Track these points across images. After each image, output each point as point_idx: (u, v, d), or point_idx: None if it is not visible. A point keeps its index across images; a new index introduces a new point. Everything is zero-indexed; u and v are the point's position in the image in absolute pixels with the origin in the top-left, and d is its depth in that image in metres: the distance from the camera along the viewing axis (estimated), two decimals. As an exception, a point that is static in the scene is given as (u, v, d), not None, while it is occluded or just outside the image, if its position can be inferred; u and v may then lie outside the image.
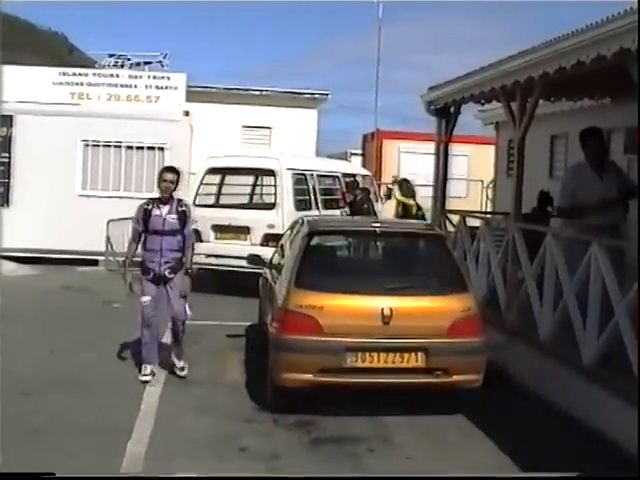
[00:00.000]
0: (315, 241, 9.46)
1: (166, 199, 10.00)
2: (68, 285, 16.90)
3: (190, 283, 10.39)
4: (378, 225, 9.80)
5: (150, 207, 10.00)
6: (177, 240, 10.02)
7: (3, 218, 19.84)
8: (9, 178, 20.38)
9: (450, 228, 14.13)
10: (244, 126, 28.04)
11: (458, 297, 8.80)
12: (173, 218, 9.95)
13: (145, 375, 9.88)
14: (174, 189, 10.04)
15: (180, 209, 10.02)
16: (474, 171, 28.26)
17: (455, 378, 8.60)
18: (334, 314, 8.39)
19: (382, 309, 8.39)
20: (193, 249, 10.34)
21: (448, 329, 8.53)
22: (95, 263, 19.64)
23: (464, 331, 8.60)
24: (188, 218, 10.08)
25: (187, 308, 10.02)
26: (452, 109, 14.22)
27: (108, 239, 19.01)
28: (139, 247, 10.24)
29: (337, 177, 19.36)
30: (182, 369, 10.15)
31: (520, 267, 10.93)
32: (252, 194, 18.94)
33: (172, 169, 10.27)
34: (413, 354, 8.44)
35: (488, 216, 16.58)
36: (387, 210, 20.68)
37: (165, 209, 9.98)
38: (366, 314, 8.42)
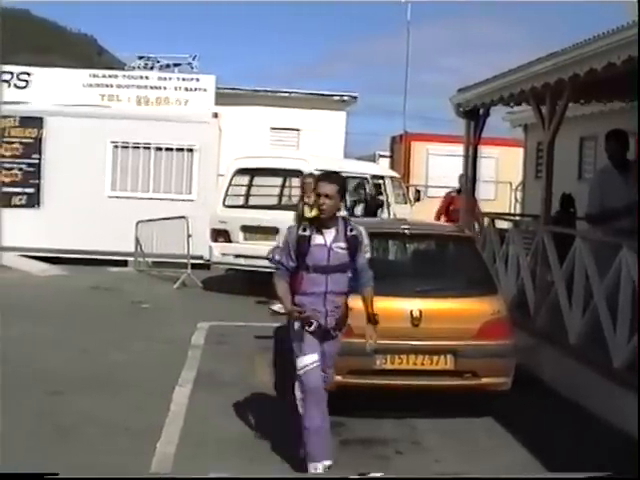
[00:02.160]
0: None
1: (327, 221, 7.23)
2: (98, 285, 17.01)
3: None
4: (408, 227, 9.79)
5: (308, 233, 7.19)
6: (346, 278, 7.32)
7: (34, 219, 20.10)
8: (40, 179, 20.54)
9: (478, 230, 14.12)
10: (272, 128, 28.05)
11: (487, 299, 8.80)
12: (341, 248, 7.17)
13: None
14: (337, 208, 7.29)
15: (350, 234, 7.22)
16: (502, 173, 28.12)
17: (484, 381, 8.60)
18: (363, 316, 8.38)
19: (411, 311, 8.40)
20: (372, 290, 7.50)
21: (477, 332, 8.53)
22: (124, 264, 19.76)
23: (493, 334, 8.59)
24: (361, 245, 7.25)
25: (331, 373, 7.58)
26: (481, 111, 14.18)
27: (137, 240, 19.15)
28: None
29: (365, 179, 19.35)
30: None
31: (550, 270, 10.90)
32: (281, 195, 18.96)
33: (331, 177, 7.38)
34: (442, 356, 8.45)
35: (517, 218, 16.52)
36: (417, 212, 20.61)
37: (330, 235, 7.21)
38: (395, 316, 8.41)
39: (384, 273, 9.72)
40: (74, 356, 10.91)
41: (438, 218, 17.39)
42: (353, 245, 7.16)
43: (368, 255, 7.41)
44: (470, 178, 14.53)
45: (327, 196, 7.05)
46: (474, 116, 14.31)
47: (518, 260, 12.12)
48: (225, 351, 11.15)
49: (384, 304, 8.49)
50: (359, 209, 17.43)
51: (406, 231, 9.69)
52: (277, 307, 8.94)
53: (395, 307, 8.50)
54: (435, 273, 9.59)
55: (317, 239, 7.10)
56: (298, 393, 7.32)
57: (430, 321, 8.42)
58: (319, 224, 7.17)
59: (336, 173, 7.80)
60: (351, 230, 7.20)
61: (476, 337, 8.52)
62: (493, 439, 8.29)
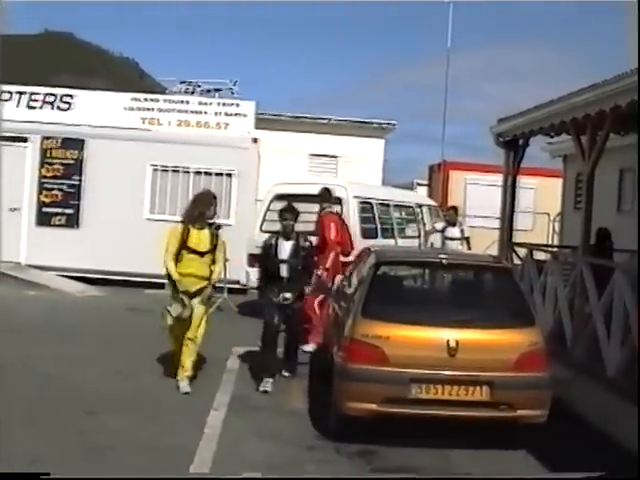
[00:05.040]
0: (382, 271, 9.49)
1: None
2: (134, 307, 17.07)
3: None
4: (445, 257, 9.78)
5: None
6: None
7: (72, 239, 20.26)
8: (79, 200, 20.67)
9: (516, 261, 14.05)
10: (311, 154, 28.18)
11: (525, 331, 8.75)
12: None
13: None
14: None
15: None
16: (540, 204, 27.99)
17: (520, 413, 8.53)
18: (400, 344, 8.39)
19: (448, 341, 8.37)
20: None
21: (514, 363, 8.47)
22: (161, 286, 19.78)
23: (530, 365, 8.53)
24: None
25: None
26: (521, 141, 14.18)
27: (174, 263, 19.16)
28: None
29: (408, 207, 19.44)
30: None
31: (588, 302, 10.82)
32: (318, 222, 18.94)
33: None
34: (478, 387, 8.39)
35: (555, 250, 16.43)
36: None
37: None
38: (432, 345, 8.40)
39: (421, 302, 9.80)
40: (109, 376, 10.95)
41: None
42: None
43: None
44: (509, 208, 14.49)
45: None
46: (514, 146, 14.31)
47: (556, 291, 12.05)
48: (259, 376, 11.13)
49: (421, 333, 8.53)
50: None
51: (444, 260, 9.68)
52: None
53: (432, 336, 8.48)
54: (473, 303, 9.53)
55: None
56: None
57: (467, 351, 8.38)
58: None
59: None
60: None
61: (513, 369, 8.45)
62: (527, 472, 8.20)
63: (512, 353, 8.49)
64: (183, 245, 10.52)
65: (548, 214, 27.11)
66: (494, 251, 18.81)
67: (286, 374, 11.49)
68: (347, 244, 14.26)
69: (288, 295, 11.11)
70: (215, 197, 11.06)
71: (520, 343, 8.60)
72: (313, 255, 11.90)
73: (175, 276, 10.55)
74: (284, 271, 11.18)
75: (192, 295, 10.57)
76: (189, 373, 10.59)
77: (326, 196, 14.64)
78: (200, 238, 10.61)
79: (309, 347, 12.99)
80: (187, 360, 10.59)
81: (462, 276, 10.40)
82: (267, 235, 15.45)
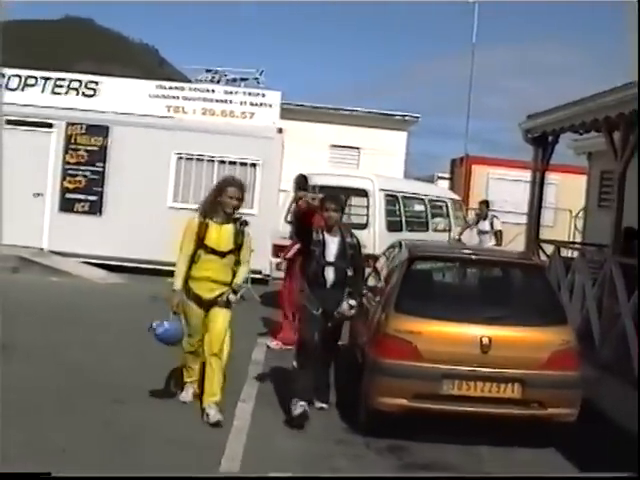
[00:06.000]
0: (415, 266, 9.44)
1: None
2: (155, 295, 17.02)
3: None
4: (478, 253, 9.74)
5: None
6: None
7: (95, 226, 20.28)
8: (103, 187, 20.68)
9: (542, 257, 13.98)
10: (332, 145, 28.15)
11: (557, 329, 8.72)
12: None
13: None
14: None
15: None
16: (562, 200, 27.88)
17: (550, 411, 8.51)
18: (432, 340, 8.36)
19: (481, 338, 8.34)
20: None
21: (546, 361, 8.44)
22: (183, 275, 19.77)
23: (562, 364, 8.50)
24: None
25: None
26: (550, 138, 14.10)
27: (196, 252, 19.12)
28: None
29: (433, 200, 19.44)
30: None
31: (617, 301, 10.76)
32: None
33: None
34: (510, 385, 8.37)
35: (582, 247, 16.35)
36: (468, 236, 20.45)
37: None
38: (464, 342, 8.38)
39: (454, 298, 9.76)
40: (135, 365, 10.92)
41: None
42: None
43: None
44: (537, 205, 14.44)
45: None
46: (542, 142, 14.23)
47: (584, 290, 12.00)
48: (286, 367, 11.09)
49: (454, 329, 8.50)
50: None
51: (477, 257, 9.64)
52: None
53: (465, 333, 8.47)
54: (505, 300, 9.51)
55: None
56: None
57: (499, 348, 8.35)
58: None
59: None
60: None
61: (544, 367, 8.43)
62: (556, 471, 8.17)
63: (544, 351, 8.47)
64: (200, 243, 8.71)
65: (570, 211, 26.99)
66: (516, 246, 18.82)
67: (323, 405, 9.63)
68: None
69: (353, 303, 9.22)
70: (243, 185, 8.98)
71: (552, 341, 8.57)
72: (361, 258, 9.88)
73: (175, 283, 8.83)
74: (330, 276, 9.33)
75: (206, 305, 8.89)
76: (218, 399, 8.84)
77: (302, 183, 13.90)
78: (221, 235, 8.77)
79: (274, 344, 12.68)
80: (213, 383, 8.84)
81: (495, 273, 10.35)
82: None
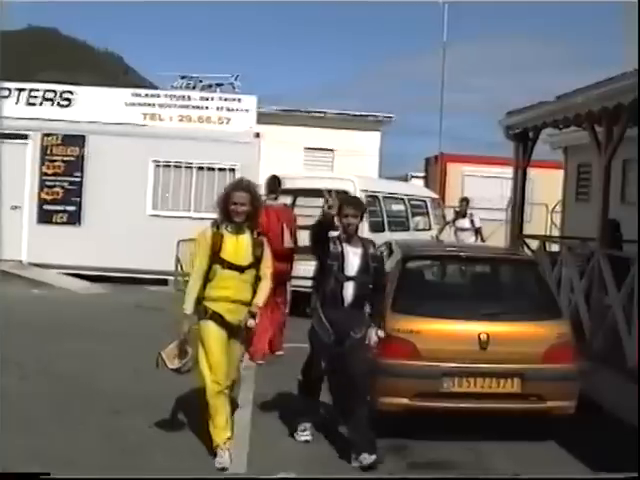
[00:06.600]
0: (410, 266, 9.49)
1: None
2: (140, 304, 17.03)
3: None
4: (471, 251, 9.80)
5: None
6: None
7: (75, 237, 20.19)
8: (81, 197, 20.62)
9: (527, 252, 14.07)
10: (306, 148, 28.15)
11: (553, 323, 8.80)
12: None
13: None
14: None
15: None
16: (537, 195, 27.95)
17: (549, 404, 8.58)
18: (431, 339, 8.40)
19: (479, 334, 8.39)
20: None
21: (543, 355, 8.51)
22: (164, 283, 19.75)
23: (559, 357, 8.58)
24: None
25: None
26: (531, 134, 14.18)
27: (178, 259, 19.09)
28: None
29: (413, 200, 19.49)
30: None
31: (606, 293, 10.86)
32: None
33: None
34: (509, 380, 8.43)
35: (567, 241, 16.47)
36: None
37: None
38: (463, 339, 8.44)
39: (451, 296, 9.82)
40: (128, 375, 10.86)
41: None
42: None
43: None
44: (519, 201, 14.52)
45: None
46: (523, 138, 14.31)
47: (571, 283, 12.09)
48: (279, 372, 11.07)
49: (452, 327, 8.55)
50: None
51: (470, 254, 9.69)
52: None
53: (463, 330, 8.53)
54: (501, 296, 9.63)
55: None
56: None
57: (497, 344, 8.41)
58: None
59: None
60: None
61: (542, 361, 8.50)
62: (559, 464, 8.22)
63: (541, 345, 8.54)
64: (215, 257, 7.61)
65: (546, 205, 27.13)
66: (495, 243, 18.89)
67: (368, 461, 7.73)
68: (276, 238, 11.72)
69: (382, 334, 8.09)
70: (251, 188, 7.82)
71: (549, 335, 8.65)
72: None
73: (186, 305, 7.83)
74: (349, 292, 8.02)
75: (229, 328, 7.76)
76: (229, 434, 7.86)
77: (273, 185, 13.05)
78: (238, 247, 7.67)
79: (260, 359, 11.86)
80: (222, 416, 7.82)
81: (489, 270, 10.42)
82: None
